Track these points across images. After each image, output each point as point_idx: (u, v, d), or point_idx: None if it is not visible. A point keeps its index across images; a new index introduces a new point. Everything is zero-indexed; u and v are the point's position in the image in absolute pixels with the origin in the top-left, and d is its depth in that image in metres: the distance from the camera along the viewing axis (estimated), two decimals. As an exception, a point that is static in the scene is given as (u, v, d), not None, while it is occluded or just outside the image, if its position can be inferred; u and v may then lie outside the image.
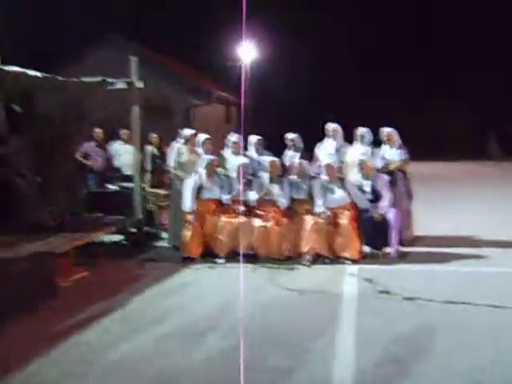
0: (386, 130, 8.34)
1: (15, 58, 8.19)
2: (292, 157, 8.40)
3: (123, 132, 10.25)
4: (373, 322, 5.08)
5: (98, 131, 10.43)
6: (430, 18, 34.33)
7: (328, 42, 31.57)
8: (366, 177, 7.56)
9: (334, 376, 4.01)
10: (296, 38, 30.98)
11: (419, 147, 17.96)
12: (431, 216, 9.97)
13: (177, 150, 8.22)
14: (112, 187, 9.43)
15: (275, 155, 8.30)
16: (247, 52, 23.26)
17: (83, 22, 21.44)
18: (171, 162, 8.21)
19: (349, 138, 8.59)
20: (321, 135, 8.73)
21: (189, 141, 8.27)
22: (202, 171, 7.77)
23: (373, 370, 4.11)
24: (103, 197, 9.01)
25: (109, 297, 5.97)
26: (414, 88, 32.42)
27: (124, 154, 10.09)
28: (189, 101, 20.27)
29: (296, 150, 8.51)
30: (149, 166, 10.03)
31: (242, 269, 7.06)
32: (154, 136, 10.45)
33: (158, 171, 9.85)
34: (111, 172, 10.18)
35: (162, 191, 9.25)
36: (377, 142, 8.45)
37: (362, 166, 7.60)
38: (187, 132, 8.40)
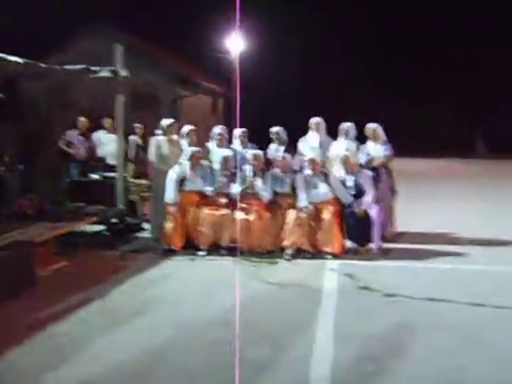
0: (370, 126, 8.34)
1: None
2: (276, 150, 8.36)
3: (107, 121, 10.17)
4: (352, 318, 5.08)
5: (83, 120, 10.35)
6: (420, 16, 34.34)
7: (318, 32, 31.49)
8: (349, 172, 7.56)
9: (310, 372, 4.00)
10: (285, 29, 30.88)
11: (405, 143, 18.00)
12: (414, 213, 10.02)
13: (155, 142, 8.15)
14: (94, 176, 9.33)
15: (261, 148, 8.27)
16: (236, 43, 23.13)
17: (70, 10, 21.18)
18: (151, 153, 8.14)
19: (335, 132, 8.56)
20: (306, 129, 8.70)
21: (166, 132, 8.20)
22: (186, 163, 7.72)
23: (350, 366, 4.10)
24: (85, 186, 8.93)
25: (88, 287, 5.91)
26: (402, 83, 32.43)
27: (107, 144, 10.02)
28: (176, 91, 20.13)
29: (280, 143, 8.47)
30: (132, 157, 9.95)
31: (222, 261, 7.07)
32: (138, 126, 10.38)
33: (141, 162, 9.77)
34: (94, 161, 10.10)
35: (144, 182, 9.17)
36: (362, 138, 8.44)
37: (345, 161, 7.59)
38: (164, 122, 8.30)
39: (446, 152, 27.17)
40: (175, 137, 8.27)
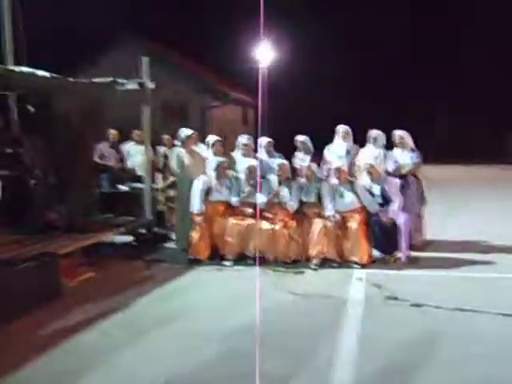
0: (398, 133, 8.22)
1: (30, 60, 8.31)
2: (302, 159, 8.33)
3: (136, 133, 10.28)
4: (378, 329, 5.00)
5: (113, 132, 10.46)
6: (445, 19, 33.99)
7: (350, 45, 31.49)
8: (375, 180, 7.47)
9: (333, 383, 3.95)
10: (315, 40, 30.89)
11: (434, 150, 17.76)
12: (444, 221, 9.83)
13: (176, 153, 8.19)
14: (123, 188, 9.44)
15: (287, 158, 8.24)
16: (265, 53, 23.18)
17: (99, 24, 21.52)
18: (173, 164, 8.19)
19: (363, 141, 8.49)
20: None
21: (185, 143, 8.22)
22: (212, 173, 7.74)
23: (374, 379, 4.03)
24: (114, 197, 9.04)
25: (113, 298, 5.96)
26: (429, 91, 32.12)
27: (136, 155, 10.11)
28: (205, 102, 20.30)
29: (306, 152, 8.43)
30: (160, 167, 10.03)
31: (248, 272, 7.04)
32: (165, 137, 10.45)
33: (169, 173, 9.83)
34: (124, 173, 10.21)
35: (172, 192, 9.23)
36: (390, 145, 8.34)
37: (369, 170, 7.51)
38: (183, 133, 8.31)
39: (477, 158, 26.68)
40: (195, 147, 8.29)
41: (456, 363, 4.24)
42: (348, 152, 8.31)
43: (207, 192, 7.62)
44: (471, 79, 31.74)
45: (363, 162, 8.00)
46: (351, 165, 8.19)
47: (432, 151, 13.95)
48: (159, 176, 10.17)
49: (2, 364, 4.33)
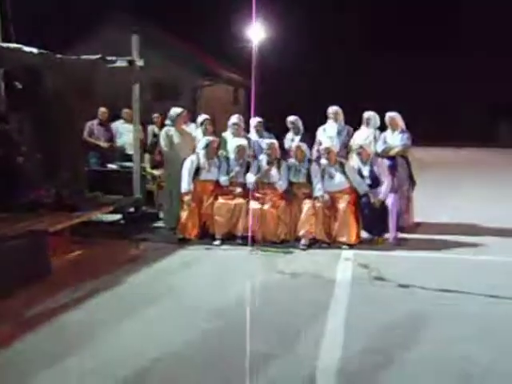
0: (389, 114, 8.20)
1: (20, 37, 8.20)
2: (292, 139, 8.31)
3: (125, 111, 10.20)
4: (364, 309, 5.03)
5: (103, 110, 10.36)
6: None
7: (339, 24, 31.25)
8: (364, 161, 7.47)
9: (319, 362, 3.97)
10: (306, 19, 30.70)
11: (425, 132, 17.76)
12: (433, 203, 9.87)
13: (166, 132, 8.14)
14: (112, 166, 9.39)
15: (278, 138, 8.21)
16: (256, 32, 22.98)
17: (92, 1, 21.27)
18: (162, 143, 8.14)
19: (358, 122, 8.50)
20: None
21: (175, 121, 8.17)
22: (201, 152, 7.70)
23: (359, 357, 4.06)
24: (103, 176, 8.97)
25: (102, 276, 5.95)
26: (424, 72, 32.03)
27: (125, 134, 10.05)
28: (196, 81, 20.16)
29: (296, 132, 8.41)
30: (149, 146, 9.98)
31: (237, 251, 7.05)
32: (155, 116, 10.38)
33: (158, 151, 9.79)
34: (113, 151, 10.15)
35: (161, 171, 9.20)
36: (384, 126, 8.33)
37: (359, 150, 7.51)
38: (173, 112, 8.27)
39: (469, 141, 26.71)
40: (185, 126, 8.24)
41: (440, 343, 4.28)
42: (339, 132, 8.30)
43: (196, 171, 7.58)
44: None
45: (356, 144, 8.02)
46: (342, 145, 8.19)
47: (422, 133, 13.90)
48: (148, 155, 10.13)
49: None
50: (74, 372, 3.87)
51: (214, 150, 7.76)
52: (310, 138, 8.34)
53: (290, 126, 8.51)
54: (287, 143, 8.37)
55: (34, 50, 6.77)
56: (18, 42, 7.33)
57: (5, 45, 6.96)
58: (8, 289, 5.27)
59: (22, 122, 8.22)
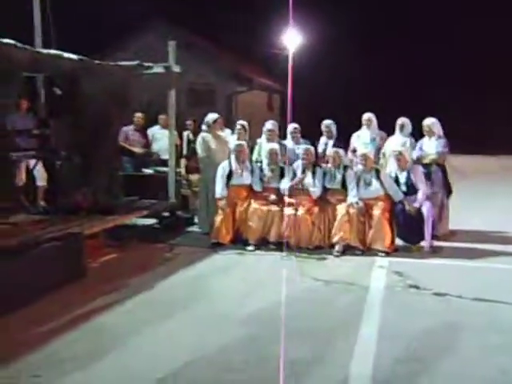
0: (426, 121, 8.11)
1: (60, 44, 8.39)
2: (325, 144, 8.30)
3: (161, 117, 10.31)
4: (398, 317, 4.97)
5: (139, 116, 10.49)
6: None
7: (376, 31, 31.06)
8: (401, 168, 7.38)
9: (352, 370, 3.93)
10: (344, 26, 30.55)
11: (463, 140, 17.43)
12: (469, 211, 9.67)
13: (202, 137, 8.21)
14: (148, 171, 9.50)
15: (313, 144, 8.19)
16: (292, 39, 23.00)
17: (128, 8, 21.54)
18: (198, 149, 8.21)
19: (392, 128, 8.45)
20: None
21: (211, 127, 8.25)
22: (232, 156, 7.75)
23: (393, 366, 4.00)
24: (139, 180, 9.09)
25: (136, 279, 6.02)
26: (461, 80, 31.51)
27: (161, 139, 10.14)
28: (231, 87, 20.27)
29: (329, 136, 8.39)
30: (185, 151, 10.06)
31: (270, 257, 7.05)
32: (188, 122, 10.48)
33: (193, 157, 9.86)
34: (148, 156, 10.26)
35: (196, 176, 9.27)
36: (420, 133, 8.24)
37: (398, 157, 7.41)
38: (209, 118, 8.37)
39: (506, 149, 26.09)
40: (221, 132, 8.31)
41: (475, 355, 4.19)
42: (373, 139, 8.27)
43: (229, 176, 7.62)
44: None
45: (389, 150, 7.95)
46: (377, 152, 8.14)
47: (462, 140, 13.67)
48: (183, 160, 10.22)
49: (28, 341, 4.41)
50: (108, 375, 3.91)
51: (245, 154, 7.79)
52: (343, 143, 8.31)
53: (324, 129, 8.48)
54: (320, 147, 8.35)
55: (74, 57, 6.91)
56: (57, 48, 7.49)
57: (45, 51, 7.11)
58: (44, 290, 5.37)
59: (60, 127, 8.39)
